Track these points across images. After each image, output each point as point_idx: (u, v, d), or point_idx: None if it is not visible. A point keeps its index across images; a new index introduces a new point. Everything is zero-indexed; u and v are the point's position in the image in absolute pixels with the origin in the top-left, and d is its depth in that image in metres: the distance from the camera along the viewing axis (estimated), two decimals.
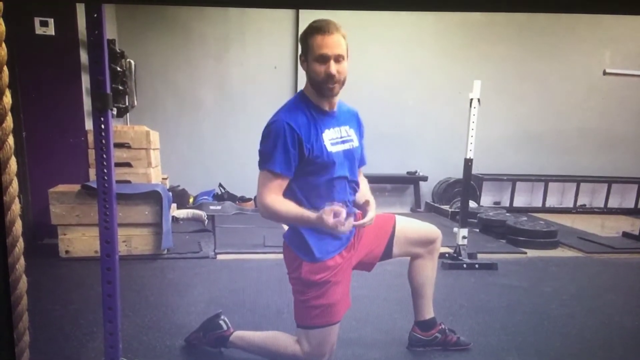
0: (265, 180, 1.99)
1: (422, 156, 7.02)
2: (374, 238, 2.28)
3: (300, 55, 2.06)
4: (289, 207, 1.99)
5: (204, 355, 2.46)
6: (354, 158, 2.15)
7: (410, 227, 2.39)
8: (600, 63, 7.17)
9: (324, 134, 2.04)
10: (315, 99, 2.05)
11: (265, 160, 1.99)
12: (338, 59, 1.96)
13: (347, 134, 2.13)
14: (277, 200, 1.98)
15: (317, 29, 1.96)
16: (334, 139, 2.07)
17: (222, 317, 2.43)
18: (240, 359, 2.40)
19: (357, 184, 2.21)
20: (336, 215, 1.89)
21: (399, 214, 2.44)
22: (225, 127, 6.68)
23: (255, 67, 6.61)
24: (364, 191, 2.26)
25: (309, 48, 1.98)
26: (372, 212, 2.14)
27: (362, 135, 2.24)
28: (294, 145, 1.97)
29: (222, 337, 2.38)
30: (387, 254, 2.32)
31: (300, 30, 6.60)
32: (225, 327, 2.40)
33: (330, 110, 2.09)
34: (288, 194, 2.03)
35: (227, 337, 2.37)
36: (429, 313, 2.51)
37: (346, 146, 2.11)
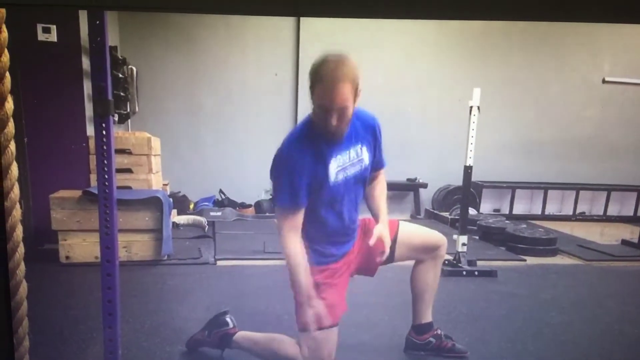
0: (280, 217, 2.00)
1: (422, 163, 7.02)
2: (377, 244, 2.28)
3: (309, 85, 1.95)
4: (296, 256, 1.99)
5: None
6: (362, 179, 2.15)
7: (414, 233, 2.39)
8: (599, 71, 7.20)
9: (330, 164, 2.01)
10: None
11: (275, 195, 2.01)
12: (341, 110, 1.89)
13: (356, 155, 2.09)
14: (291, 244, 1.99)
15: (322, 78, 1.86)
16: (341, 166, 2.05)
17: (229, 315, 2.44)
18: None
19: (361, 198, 2.22)
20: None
21: (394, 219, 2.45)
22: (226, 133, 6.69)
23: (256, 74, 6.63)
24: (378, 207, 2.26)
25: (313, 90, 1.90)
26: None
27: (379, 143, 2.19)
28: (299, 177, 1.95)
29: (227, 335, 2.38)
30: (389, 258, 2.31)
31: (302, 38, 6.55)
32: (231, 324, 2.40)
33: (339, 138, 2.03)
34: None
35: (232, 335, 2.37)
36: (425, 318, 2.51)
37: (355, 169, 2.10)
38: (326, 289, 2.11)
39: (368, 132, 2.14)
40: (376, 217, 2.25)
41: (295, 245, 1.99)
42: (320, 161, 2.00)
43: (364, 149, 2.12)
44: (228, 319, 2.42)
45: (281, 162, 1.99)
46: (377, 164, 2.22)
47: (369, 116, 2.17)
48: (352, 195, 2.13)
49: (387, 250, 2.15)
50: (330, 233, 2.14)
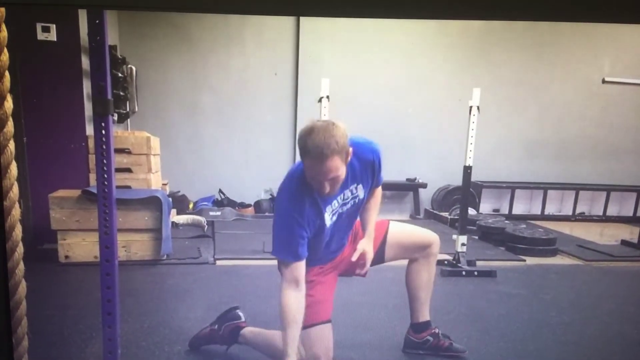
0: (281, 267, 2.05)
1: (422, 163, 7.03)
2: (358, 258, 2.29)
3: (300, 153, 1.94)
4: (289, 316, 2.00)
5: None
6: (354, 210, 2.16)
7: (404, 232, 2.41)
8: (599, 71, 7.20)
9: (326, 213, 2.04)
10: None
11: (277, 250, 2.07)
12: (332, 180, 1.89)
13: (350, 194, 2.10)
14: (290, 302, 2.00)
15: (311, 154, 1.84)
16: (335, 209, 2.08)
17: (240, 309, 2.51)
18: None
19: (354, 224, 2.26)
20: None
21: (398, 221, 2.45)
22: (225, 133, 6.69)
23: (256, 73, 6.62)
24: (367, 220, 2.27)
25: (303, 160, 1.90)
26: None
27: (377, 173, 2.16)
28: (300, 230, 1.98)
29: (237, 328, 2.43)
30: (379, 258, 2.34)
31: (301, 37, 6.53)
32: (242, 318, 2.46)
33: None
34: None
35: (241, 328, 2.42)
36: (423, 316, 2.51)
37: (348, 206, 2.12)
38: (313, 286, 2.16)
39: (366, 170, 2.11)
40: (363, 229, 2.27)
41: (293, 302, 2.00)
42: (317, 213, 2.02)
43: (360, 187, 2.11)
44: (240, 313, 2.49)
45: (280, 218, 2.03)
46: (375, 184, 2.23)
47: (368, 150, 2.11)
48: (344, 226, 2.18)
49: (368, 265, 2.20)
50: (319, 257, 2.19)
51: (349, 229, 2.23)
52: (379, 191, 2.31)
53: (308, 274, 2.16)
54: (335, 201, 2.06)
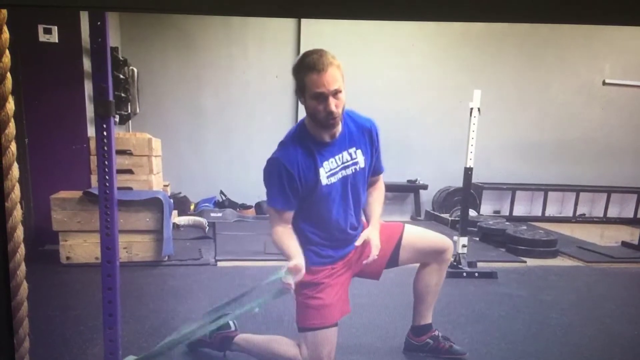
0: (272, 214, 2.11)
1: (423, 165, 7.02)
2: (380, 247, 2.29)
3: (295, 90, 2.03)
4: (284, 239, 2.10)
5: None
6: (356, 181, 2.15)
7: (420, 236, 2.40)
8: (600, 73, 7.20)
9: (321, 168, 2.06)
10: (315, 131, 2.06)
11: (267, 197, 2.09)
12: (335, 94, 1.94)
13: (349, 158, 2.12)
14: (279, 232, 2.10)
15: (311, 67, 1.92)
16: (333, 169, 2.08)
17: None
18: None
19: (361, 203, 2.24)
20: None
21: (400, 222, 2.45)
22: (226, 134, 6.69)
23: (257, 75, 6.63)
24: (371, 212, 2.28)
25: (304, 85, 1.96)
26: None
27: (376, 147, 2.22)
28: (289, 183, 2.02)
29: (227, 337, 2.40)
30: (393, 261, 2.33)
31: (302, 40, 6.54)
32: (232, 327, 2.42)
33: (332, 140, 2.08)
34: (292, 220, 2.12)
35: (232, 337, 2.39)
36: (424, 319, 2.51)
37: (348, 171, 2.12)
38: (323, 289, 2.13)
39: (364, 136, 2.17)
40: (368, 220, 2.28)
41: (285, 234, 2.10)
42: (312, 165, 2.04)
43: (359, 152, 2.14)
44: (229, 322, 2.44)
45: (273, 167, 2.05)
46: (375, 169, 2.23)
47: (364, 119, 2.20)
48: (348, 199, 2.15)
49: (375, 254, 2.16)
50: (325, 236, 2.17)
51: (356, 204, 2.19)
52: (381, 182, 2.33)
53: (318, 276, 2.15)
54: (332, 159, 2.08)
